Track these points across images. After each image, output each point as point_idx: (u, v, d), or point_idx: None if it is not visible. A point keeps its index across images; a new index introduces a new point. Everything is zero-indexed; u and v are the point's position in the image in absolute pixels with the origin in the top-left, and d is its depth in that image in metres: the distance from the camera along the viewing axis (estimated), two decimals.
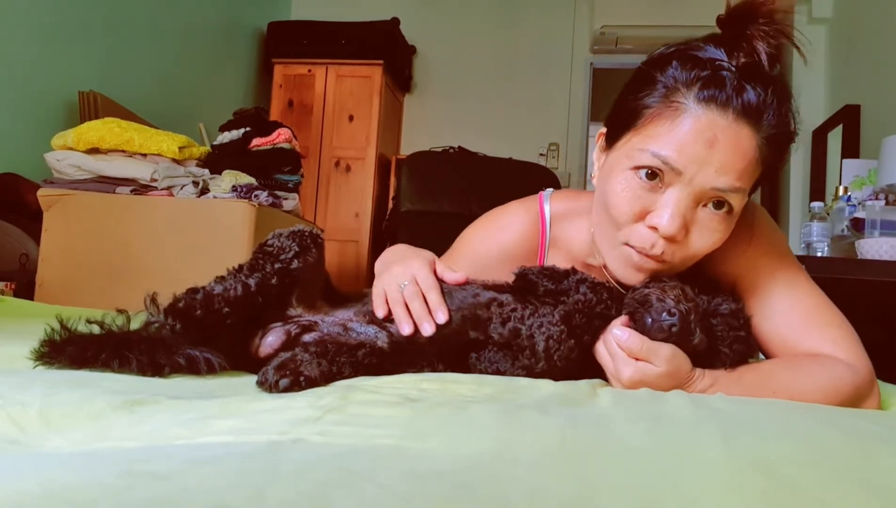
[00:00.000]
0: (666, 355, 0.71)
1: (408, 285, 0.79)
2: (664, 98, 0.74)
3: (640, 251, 0.77)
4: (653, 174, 0.74)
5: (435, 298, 0.78)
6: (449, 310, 0.78)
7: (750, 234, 0.85)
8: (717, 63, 0.72)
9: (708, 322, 0.76)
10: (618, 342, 0.73)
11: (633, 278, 0.80)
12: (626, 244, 0.78)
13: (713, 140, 0.71)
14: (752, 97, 0.71)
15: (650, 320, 0.72)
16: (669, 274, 0.79)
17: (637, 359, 0.72)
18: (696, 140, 0.71)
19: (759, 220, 0.87)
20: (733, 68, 0.72)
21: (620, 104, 0.79)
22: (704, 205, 0.75)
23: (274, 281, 0.77)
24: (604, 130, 0.84)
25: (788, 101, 0.74)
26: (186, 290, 0.73)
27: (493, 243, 0.96)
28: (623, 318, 0.75)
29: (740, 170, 0.72)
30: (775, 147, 0.74)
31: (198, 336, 0.72)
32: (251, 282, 0.75)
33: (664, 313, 0.71)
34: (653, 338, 0.72)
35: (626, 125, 0.77)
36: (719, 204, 0.74)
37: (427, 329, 0.76)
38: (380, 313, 0.80)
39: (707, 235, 0.76)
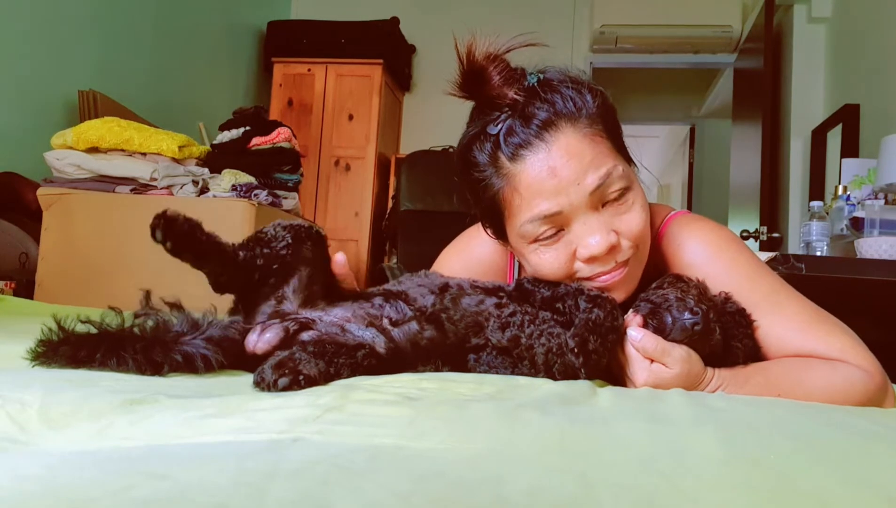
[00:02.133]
0: (679, 356, 0.71)
1: None
2: (498, 178, 0.79)
3: (600, 275, 0.78)
4: (550, 230, 0.77)
5: None
6: (450, 317, 0.80)
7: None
8: (496, 123, 0.78)
9: (720, 320, 0.76)
10: (632, 343, 0.73)
11: (617, 297, 0.79)
12: (585, 280, 0.80)
13: (552, 169, 0.74)
14: (541, 114, 0.75)
15: (671, 319, 0.72)
16: (640, 265, 0.81)
17: (651, 360, 0.72)
18: (542, 182, 0.75)
19: (724, 245, 0.86)
20: (509, 112, 0.77)
21: (481, 205, 0.85)
22: (604, 205, 0.77)
23: (260, 262, 0.78)
24: (487, 229, 0.89)
25: (565, 79, 0.78)
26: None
27: (464, 263, 1.00)
28: (639, 319, 0.75)
29: (591, 162, 0.75)
30: (600, 113, 0.77)
31: (185, 247, 0.76)
32: (240, 253, 0.77)
33: (686, 313, 0.71)
34: (673, 338, 0.72)
35: (497, 217, 0.83)
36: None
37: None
38: None
39: (630, 215, 0.78)
